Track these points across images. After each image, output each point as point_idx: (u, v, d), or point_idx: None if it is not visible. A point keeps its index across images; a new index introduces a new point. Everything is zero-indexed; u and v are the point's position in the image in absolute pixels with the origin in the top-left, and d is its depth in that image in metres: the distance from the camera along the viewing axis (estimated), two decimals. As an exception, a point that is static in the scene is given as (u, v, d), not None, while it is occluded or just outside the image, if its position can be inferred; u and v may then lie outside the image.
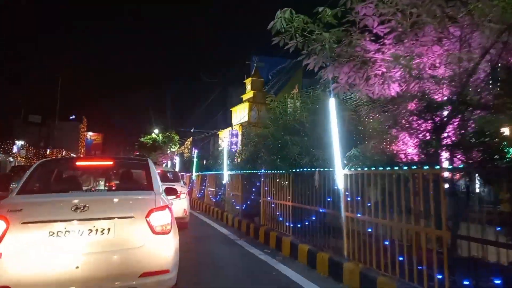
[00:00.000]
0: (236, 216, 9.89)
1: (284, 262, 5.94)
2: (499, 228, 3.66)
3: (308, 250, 5.77)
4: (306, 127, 7.05)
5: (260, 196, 8.42)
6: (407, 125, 4.48)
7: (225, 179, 11.86)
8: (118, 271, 3.19)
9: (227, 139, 18.07)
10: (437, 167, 3.74)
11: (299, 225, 6.49)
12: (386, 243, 4.27)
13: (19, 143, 48.69)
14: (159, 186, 4.01)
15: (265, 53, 45.75)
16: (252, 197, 9.17)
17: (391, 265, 4.16)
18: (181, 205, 8.42)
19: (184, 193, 9.20)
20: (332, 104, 5.45)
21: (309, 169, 6.22)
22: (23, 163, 44.97)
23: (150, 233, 3.35)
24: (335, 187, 5.35)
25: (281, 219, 7.21)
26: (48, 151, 57.54)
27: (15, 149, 46.61)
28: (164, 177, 8.67)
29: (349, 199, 5.02)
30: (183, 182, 12.97)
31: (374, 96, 6.00)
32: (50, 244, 3.12)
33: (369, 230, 4.57)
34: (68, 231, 3.17)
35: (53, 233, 3.15)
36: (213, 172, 14.34)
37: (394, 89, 5.78)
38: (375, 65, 5.75)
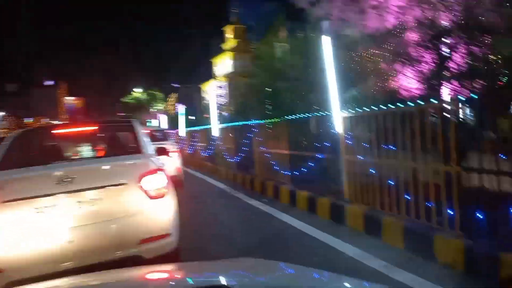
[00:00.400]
0: (230, 169, 9.77)
1: (284, 210, 5.89)
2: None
3: (308, 196, 5.70)
4: (298, 71, 6.71)
5: (254, 147, 8.23)
6: (410, 57, 4.19)
7: (216, 133, 11.60)
8: (115, 241, 3.06)
9: (212, 92, 17.52)
10: (448, 99, 3.52)
11: (296, 173, 6.38)
12: (391, 183, 4.16)
13: (0, 114, 47.03)
14: (148, 147, 3.76)
15: (247, -1, 43.48)
16: (245, 149, 8.98)
17: (396, 204, 4.08)
18: (173, 164, 8.17)
19: (175, 151, 8.98)
20: (325, 42, 5.08)
21: (304, 115, 5.97)
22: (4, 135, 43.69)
23: (145, 198, 3.16)
24: (334, 131, 5.14)
25: (277, 168, 7.08)
26: (30, 119, 55.92)
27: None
28: (152, 137, 8.16)
29: (349, 142, 4.83)
30: (173, 139, 12.61)
31: (369, 30, 5.63)
32: (38, 221, 2.94)
33: (372, 171, 4.43)
34: (55, 205, 2.96)
35: (39, 209, 2.94)
36: (202, 127, 14.04)
37: (390, 21, 5.41)
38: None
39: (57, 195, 2.97)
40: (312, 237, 4.44)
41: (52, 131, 4.58)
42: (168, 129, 21.50)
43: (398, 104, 4.10)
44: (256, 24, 43.32)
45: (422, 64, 4.20)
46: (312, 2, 5.95)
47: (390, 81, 4.76)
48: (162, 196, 3.25)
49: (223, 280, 1.45)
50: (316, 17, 6.11)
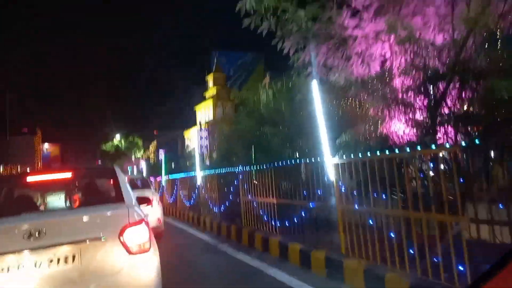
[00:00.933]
0: (214, 220, 9.27)
1: (275, 265, 5.42)
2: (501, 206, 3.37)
3: (300, 249, 5.29)
4: (285, 116, 6.57)
5: (240, 195, 7.86)
6: (402, 102, 4.08)
7: (199, 181, 11.18)
8: None
9: (195, 139, 17.28)
10: (447, 145, 3.35)
11: (286, 223, 6.00)
12: (392, 235, 3.86)
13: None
14: (131, 196, 3.43)
15: (225, 47, 44.98)
16: (230, 197, 8.58)
17: (399, 259, 3.75)
18: (154, 214, 7.71)
19: (157, 200, 8.61)
20: (315, 86, 4.98)
21: (293, 162, 5.73)
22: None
23: (125, 254, 2.83)
24: (326, 178, 4.89)
25: (265, 218, 6.69)
26: (1, 167, 53.75)
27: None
28: (132, 185, 7.87)
29: (343, 190, 4.57)
30: (153, 188, 12.16)
31: (356, 76, 5.61)
32: (4, 281, 2.58)
33: (370, 222, 4.14)
34: (23, 265, 2.61)
35: (4, 268, 2.59)
36: (184, 175, 13.58)
37: (374, 68, 5.41)
38: (355, 42, 5.35)
39: (26, 251, 2.62)
40: (309, 298, 4.01)
41: (25, 178, 4.16)
42: (148, 176, 20.94)
43: (393, 149, 3.92)
44: (236, 72, 44.54)
45: (414, 108, 4.09)
46: (297, 49, 5.93)
47: (381, 126, 4.62)
48: (145, 251, 2.93)
49: None
50: (301, 64, 6.09)
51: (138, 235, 2.90)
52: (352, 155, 4.39)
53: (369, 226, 4.17)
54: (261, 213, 6.92)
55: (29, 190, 4.20)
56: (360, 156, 4.25)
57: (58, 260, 2.67)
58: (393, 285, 3.65)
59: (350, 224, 4.52)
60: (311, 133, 6.03)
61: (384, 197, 4.08)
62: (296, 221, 5.80)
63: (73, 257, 2.71)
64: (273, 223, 6.37)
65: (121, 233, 2.83)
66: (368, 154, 4.11)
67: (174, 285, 4.97)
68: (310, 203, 5.37)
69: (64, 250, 2.70)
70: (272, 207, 6.41)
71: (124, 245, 2.83)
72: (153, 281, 2.95)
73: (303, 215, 5.60)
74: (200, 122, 32.31)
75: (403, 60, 4.79)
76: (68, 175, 4.08)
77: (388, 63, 5.28)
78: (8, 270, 2.58)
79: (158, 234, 7.58)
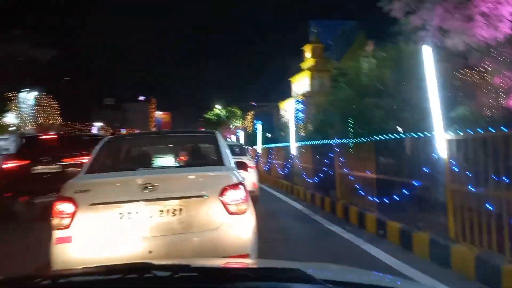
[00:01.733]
0: (308, 190, 9.30)
1: (371, 241, 5.24)
2: None
3: (400, 228, 5.00)
4: (390, 87, 6.09)
5: (335, 168, 7.69)
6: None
7: (293, 151, 11.27)
8: (193, 256, 2.88)
9: (290, 110, 17.31)
10: None
11: (385, 200, 5.69)
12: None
13: (98, 124, 52.84)
14: (231, 160, 3.60)
15: (323, 16, 43.28)
16: (325, 169, 8.46)
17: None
18: (249, 178, 7.93)
19: (252, 166, 8.95)
20: (427, 52, 4.46)
21: (397, 136, 5.33)
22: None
23: (225, 213, 2.98)
24: (435, 155, 4.45)
25: (362, 193, 6.45)
26: (123, 131, 61.73)
27: (94, 130, 50.68)
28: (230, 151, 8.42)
29: (455, 169, 4.10)
30: (250, 155, 12.66)
31: (478, 40, 4.89)
32: (120, 226, 2.89)
33: (489, 207, 3.65)
34: (138, 213, 2.91)
35: (122, 215, 2.91)
36: (279, 145, 13.82)
37: (503, 30, 4.63)
38: (480, 0, 4.62)
39: (141, 202, 2.91)
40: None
41: (141, 138, 4.75)
42: (245, 145, 21.86)
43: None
44: (335, 43, 42.67)
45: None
46: (408, 12, 5.36)
47: (510, 98, 3.96)
48: (242, 212, 3.05)
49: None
50: (411, 28, 5.52)
51: (237, 197, 3.03)
52: (470, 130, 3.87)
53: (485, 211, 3.70)
54: (357, 187, 6.69)
55: (144, 149, 4.53)
56: (479, 131, 3.73)
57: (167, 211, 2.92)
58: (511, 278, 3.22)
59: (461, 206, 4.07)
60: (418, 106, 5.50)
61: (507, 180, 3.55)
62: (397, 198, 5.46)
63: (180, 210, 2.94)
64: (370, 199, 6.12)
65: (221, 194, 2.98)
66: (490, 129, 3.58)
67: (265, 247, 5.18)
68: (414, 181, 4.97)
69: (172, 204, 2.94)
70: (370, 182, 6.13)
71: (223, 204, 2.98)
72: (249, 241, 3.07)
73: (405, 193, 5.23)
74: (296, 93, 32.23)
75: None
76: (176, 137, 4.62)
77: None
78: (126, 216, 2.89)
79: (253, 198, 7.83)
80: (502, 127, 3.43)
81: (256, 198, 8.24)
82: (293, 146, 11.28)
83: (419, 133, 4.79)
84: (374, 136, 5.90)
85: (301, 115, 24.23)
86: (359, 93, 6.65)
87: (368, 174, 6.19)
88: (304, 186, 9.86)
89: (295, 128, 11.96)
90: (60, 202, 2.94)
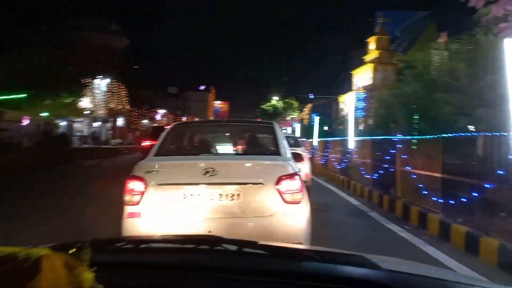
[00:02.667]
0: (365, 186, 9.06)
1: (432, 243, 5.00)
2: None
3: (467, 232, 4.70)
4: (462, 82, 5.69)
5: (396, 165, 7.40)
6: None
7: (351, 146, 11.00)
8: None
9: (351, 103, 16.84)
10: None
11: (451, 202, 5.38)
12: None
13: (161, 111, 55.74)
14: (287, 151, 3.71)
15: (391, 6, 41.26)
16: (385, 165, 8.17)
17: None
18: (303, 169, 8.21)
19: (307, 157, 9.17)
20: (508, 45, 4.10)
21: (468, 134, 4.99)
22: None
23: (280, 201, 3.09)
24: (510, 156, 4.11)
25: (425, 192, 6.15)
26: (184, 118, 64.45)
27: (158, 117, 53.55)
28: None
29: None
30: (305, 147, 12.70)
31: None
32: (184, 205, 3.08)
33: None
34: (199, 195, 3.09)
35: (186, 195, 3.09)
36: (336, 138, 13.56)
37: None
38: None
39: (203, 185, 3.08)
40: None
41: (203, 125, 5.05)
42: (301, 137, 21.77)
43: None
44: (402, 34, 40.41)
45: None
46: (488, 1, 4.98)
47: None
48: (297, 202, 3.14)
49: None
50: (491, 19, 5.11)
51: (292, 187, 3.13)
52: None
53: None
54: (420, 186, 6.39)
55: (207, 135, 4.73)
56: None
57: (226, 195, 3.07)
58: None
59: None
60: (494, 103, 5.09)
61: None
62: (463, 201, 5.13)
63: (238, 195, 3.08)
64: (434, 199, 5.81)
65: (277, 183, 3.09)
66: None
67: (319, 240, 5.18)
68: (486, 184, 4.63)
69: (231, 188, 3.08)
70: (436, 181, 5.81)
71: (279, 192, 3.08)
72: (302, 230, 3.15)
73: (474, 195, 4.90)
74: (357, 87, 31.25)
75: None
76: (237, 126, 4.91)
77: None
78: (189, 197, 3.08)
79: (306, 188, 8.07)
80: None
81: (308, 188, 8.42)
82: (352, 140, 11.01)
83: (495, 132, 4.44)
84: (442, 133, 5.58)
85: (361, 108, 23.48)
86: (427, 87, 6.28)
87: (433, 173, 5.87)
88: (362, 182, 9.62)
89: (354, 122, 11.66)
90: (132, 181, 3.17)
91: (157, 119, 52.71)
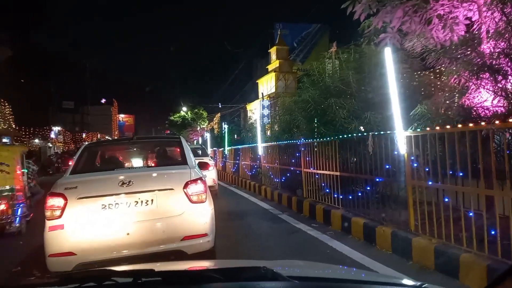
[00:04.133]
0: (275, 190, 9.38)
1: (337, 237, 5.37)
2: None
3: (364, 223, 5.15)
4: (352, 88, 6.26)
5: (301, 167, 7.81)
6: (490, 69, 3.64)
7: (260, 152, 11.32)
8: (162, 236, 3.57)
9: (257, 112, 17.40)
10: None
11: (350, 197, 5.85)
12: (471, 214, 3.56)
13: (56, 129, 50.43)
14: (193, 160, 4.30)
15: (288, 19, 43.86)
16: (291, 168, 8.58)
17: (477, 239, 3.46)
18: (210, 176, 9.28)
19: (212, 165, 10.41)
20: (388, 54, 4.64)
21: (359, 134, 5.49)
22: (61, 148, 46.73)
23: (188, 202, 3.67)
24: (396, 152, 4.63)
25: (327, 190, 6.59)
26: (84, 135, 59.39)
27: (52, 135, 48.33)
28: (193, 153, 9.65)
29: (415, 165, 4.29)
30: (210, 156, 13.86)
31: (434, 43, 5.13)
32: (103, 215, 3.51)
33: (446, 200, 3.85)
34: (118, 204, 3.54)
35: (105, 205, 3.53)
36: (246, 145, 13.85)
37: (458, 32, 4.88)
38: (437, 4, 4.85)
39: (120, 195, 3.55)
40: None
41: (114, 144, 5.55)
42: (212, 147, 21.73)
43: (477, 121, 3.55)
44: (299, 45, 43.34)
45: (506, 76, 3.62)
46: (368, 14, 5.52)
47: (464, 97, 4.20)
48: (202, 201, 3.76)
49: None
50: (371, 31, 5.70)
51: (197, 189, 3.73)
52: (426, 128, 4.07)
53: (444, 204, 3.89)
54: (323, 185, 6.83)
55: (119, 152, 5.32)
56: (435, 128, 3.92)
57: (142, 202, 3.57)
58: (469, 266, 3.40)
59: (421, 200, 4.26)
60: (380, 106, 5.70)
61: (461, 174, 3.76)
62: (360, 195, 5.63)
63: (152, 201, 3.59)
64: (335, 196, 6.26)
65: (185, 187, 3.67)
66: (446, 126, 3.77)
67: (233, 245, 5.20)
68: (376, 178, 5.14)
69: (145, 195, 3.59)
70: (335, 180, 6.28)
71: (186, 195, 3.67)
72: (207, 224, 3.75)
73: (368, 189, 5.40)
74: (262, 94, 32.45)
75: (493, 23, 4.25)
76: (146, 142, 5.37)
77: (475, 27, 4.73)
78: (108, 206, 3.52)
79: (213, 192, 9.43)
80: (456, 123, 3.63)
81: (216, 192, 9.60)
82: (260, 147, 11.34)
83: (381, 132, 4.96)
84: (338, 136, 6.05)
85: (267, 115, 24.42)
86: (324, 93, 6.78)
87: (332, 172, 6.33)
88: (272, 186, 9.94)
89: (261, 129, 12.04)
90: (52, 198, 3.53)
91: (52, 137, 47.54)
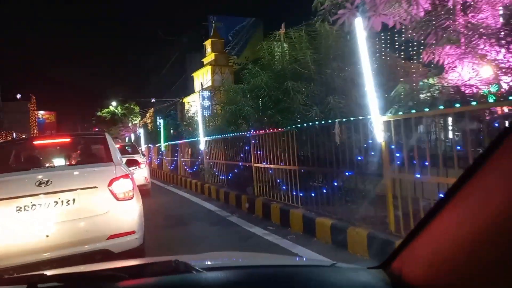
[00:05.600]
0: (221, 188, 8.45)
1: (300, 242, 4.62)
2: None
3: (332, 224, 4.47)
4: (311, 69, 5.55)
5: (251, 162, 6.99)
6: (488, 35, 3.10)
7: (202, 146, 10.30)
8: (86, 236, 3.42)
9: (197, 103, 16.26)
10: None
11: (312, 194, 5.15)
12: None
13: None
14: (118, 157, 4.15)
15: (223, 12, 42.93)
16: (239, 164, 7.71)
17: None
18: (142, 174, 9.18)
19: (144, 162, 9.98)
20: (359, 25, 3.96)
21: (323, 122, 4.79)
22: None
23: (113, 200, 3.57)
24: (369, 141, 3.99)
25: (284, 187, 5.84)
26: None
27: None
28: (123, 151, 9.31)
29: (397, 154, 3.67)
30: (142, 153, 12.70)
31: (397, 21, 4.61)
32: (19, 218, 3.29)
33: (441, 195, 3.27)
34: (35, 205, 3.34)
35: (20, 208, 3.31)
36: (185, 140, 12.69)
37: (423, 6, 4.41)
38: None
39: (37, 195, 3.36)
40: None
41: (30, 143, 5.16)
42: (146, 144, 20.11)
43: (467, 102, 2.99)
44: (235, 38, 42.74)
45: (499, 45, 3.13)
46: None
47: (445, 73, 3.67)
48: (129, 198, 3.67)
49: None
50: (326, 9, 5.02)
51: (124, 186, 3.64)
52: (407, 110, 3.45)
53: (430, 199, 3.32)
54: (278, 181, 6.08)
55: (34, 151, 4.93)
56: (415, 111, 3.33)
57: (62, 202, 3.40)
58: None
59: (403, 197, 3.66)
60: (343, 89, 5.03)
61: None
62: (324, 192, 4.95)
63: (73, 200, 3.44)
64: (294, 194, 5.53)
65: (109, 184, 3.57)
66: (427, 108, 3.17)
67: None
68: (345, 172, 4.49)
69: (66, 195, 3.42)
70: (293, 175, 5.54)
71: (112, 192, 3.57)
72: (134, 221, 3.67)
73: (335, 185, 4.74)
74: (202, 84, 31.18)
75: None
76: (66, 139, 4.92)
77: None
78: (24, 208, 3.31)
79: (146, 191, 9.10)
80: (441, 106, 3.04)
81: (148, 191, 9.54)
82: (203, 141, 10.32)
83: (350, 118, 4.30)
84: (295, 124, 5.31)
85: (207, 108, 23.28)
86: (278, 77, 5.99)
87: (290, 166, 5.59)
88: (217, 184, 9.00)
89: (203, 122, 11.02)
90: None
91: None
